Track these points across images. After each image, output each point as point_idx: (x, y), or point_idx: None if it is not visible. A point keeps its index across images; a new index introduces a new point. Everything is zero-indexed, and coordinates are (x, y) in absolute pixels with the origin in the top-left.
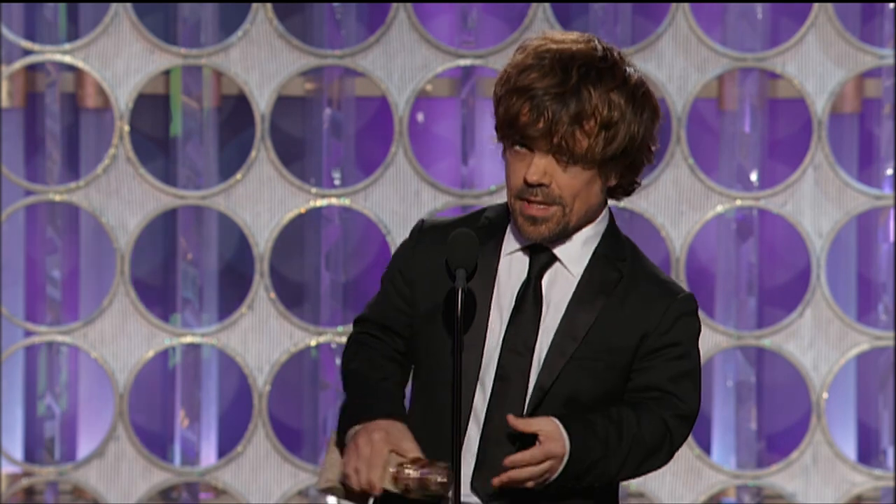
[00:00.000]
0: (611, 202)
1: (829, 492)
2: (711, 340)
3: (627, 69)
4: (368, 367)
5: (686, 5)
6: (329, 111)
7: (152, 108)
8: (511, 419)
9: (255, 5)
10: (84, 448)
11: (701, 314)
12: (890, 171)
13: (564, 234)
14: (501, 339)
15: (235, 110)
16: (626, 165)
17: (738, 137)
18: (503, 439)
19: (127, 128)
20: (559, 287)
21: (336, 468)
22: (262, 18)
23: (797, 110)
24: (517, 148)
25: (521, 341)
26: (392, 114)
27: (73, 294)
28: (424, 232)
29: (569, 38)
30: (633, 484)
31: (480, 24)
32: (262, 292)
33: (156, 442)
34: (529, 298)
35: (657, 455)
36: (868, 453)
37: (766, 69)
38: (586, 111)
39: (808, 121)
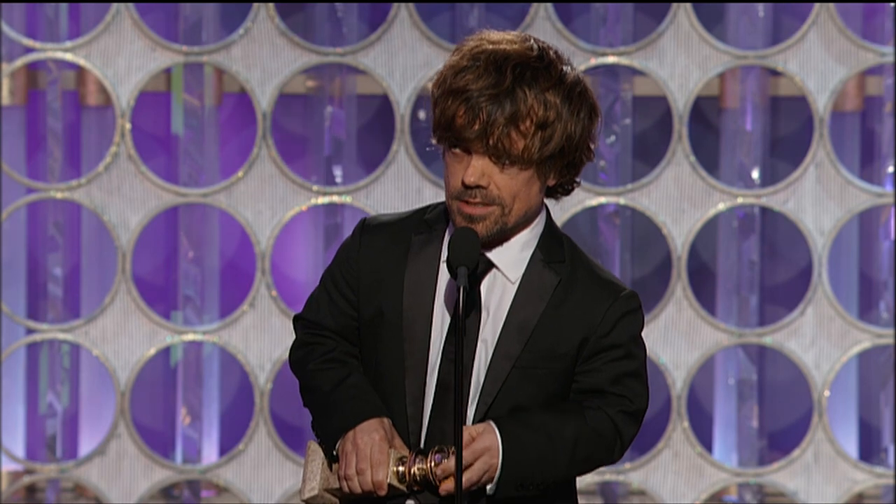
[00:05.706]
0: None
1: (831, 490)
2: (713, 338)
3: (564, 68)
4: (332, 368)
5: (687, 3)
6: (330, 109)
7: (154, 105)
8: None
9: (256, 3)
10: (85, 446)
11: (703, 312)
12: (891, 169)
13: (502, 235)
14: (441, 349)
15: (237, 108)
16: (564, 165)
17: (739, 135)
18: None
19: (128, 125)
20: (498, 294)
21: (318, 476)
22: (263, 16)
23: (799, 108)
24: (455, 150)
25: (461, 351)
26: (394, 112)
27: (75, 292)
28: (367, 231)
29: (505, 39)
30: (635, 482)
31: (482, 22)
32: (263, 290)
33: (157, 440)
34: (468, 307)
35: (607, 450)
36: (869, 451)
37: (768, 67)
38: (521, 112)
39: (809, 118)
